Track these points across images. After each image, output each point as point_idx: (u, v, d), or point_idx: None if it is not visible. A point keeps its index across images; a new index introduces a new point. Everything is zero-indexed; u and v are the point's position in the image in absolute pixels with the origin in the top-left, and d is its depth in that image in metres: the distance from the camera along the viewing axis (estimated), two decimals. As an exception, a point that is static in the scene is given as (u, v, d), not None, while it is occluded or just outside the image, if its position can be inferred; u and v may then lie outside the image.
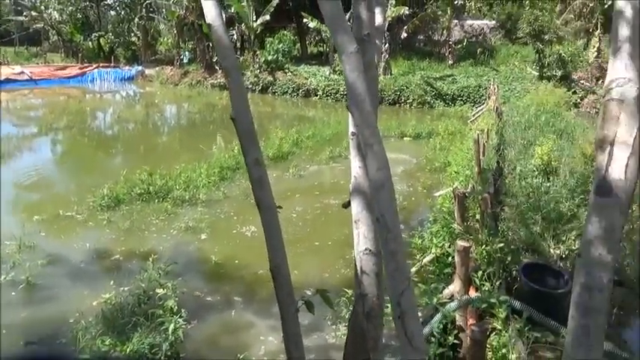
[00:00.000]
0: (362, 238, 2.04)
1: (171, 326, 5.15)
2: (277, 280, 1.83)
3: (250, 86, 28.82)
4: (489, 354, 4.17)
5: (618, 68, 1.93)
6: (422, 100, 25.45)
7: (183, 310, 5.49)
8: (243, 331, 5.75)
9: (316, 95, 27.90)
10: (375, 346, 2.02)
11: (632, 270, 6.39)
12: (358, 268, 2.06)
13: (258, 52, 31.18)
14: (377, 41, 2.24)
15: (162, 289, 5.70)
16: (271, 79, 29.95)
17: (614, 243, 1.82)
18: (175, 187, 10.35)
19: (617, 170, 1.82)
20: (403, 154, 14.50)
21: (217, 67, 31.68)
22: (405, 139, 17.01)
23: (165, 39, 42.88)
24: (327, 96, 27.52)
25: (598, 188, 1.87)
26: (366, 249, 2.02)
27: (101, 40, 42.91)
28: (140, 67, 37.84)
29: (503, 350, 4.02)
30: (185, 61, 36.40)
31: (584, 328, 1.80)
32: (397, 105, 25.77)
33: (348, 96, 1.80)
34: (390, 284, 1.64)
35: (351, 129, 2.18)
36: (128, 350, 5.09)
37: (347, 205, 2.11)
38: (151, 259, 6.46)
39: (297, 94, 28.61)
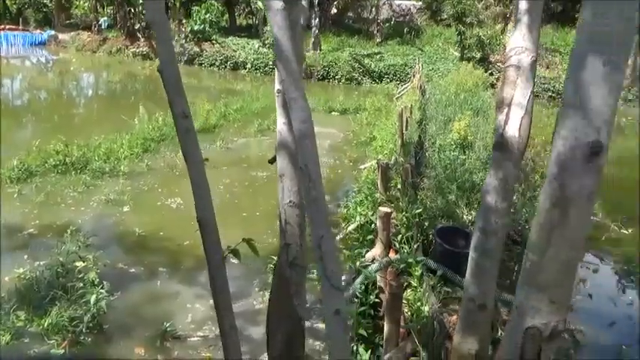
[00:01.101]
0: (286, 191, 2.14)
1: (93, 298, 5.01)
2: (204, 230, 1.89)
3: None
4: (406, 308, 4.48)
5: (517, 38, 2.14)
6: (350, 76, 25.81)
7: (105, 283, 5.35)
8: (168, 300, 5.71)
9: (245, 68, 27.38)
10: (298, 291, 2.15)
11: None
12: (282, 220, 2.16)
13: (183, 22, 29.88)
14: (303, 2, 2.30)
15: (82, 262, 5.50)
16: (198, 50, 28.91)
17: (508, 192, 2.05)
18: (94, 158, 9.86)
19: (513, 128, 2.05)
20: (331, 129, 14.73)
21: (140, 35, 30.03)
22: (332, 113, 17.26)
23: (82, 2, 39.78)
24: (256, 69, 27.11)
25: (496, 144, 2.09)
26: (290, 201, 2.12)
27: (7, -1, 39.05)
28: (53, 32, 34.97)
29: (418, 304, 4.35)
30: (104, 27, 34.11)
31: (481, 267, 2.03)
32: (326, 80, 25.97)
33: (274, 52, 1.86)
34: (311, 229, 1.76)
35: (277, 86, 2.25)
36: (46, 324, 4.91)
37: (272, 160, 2.19)
38: (68, 231, 6.19)
39: (225, 67, 27.91)
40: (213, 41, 29.39)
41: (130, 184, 9.01)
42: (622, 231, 8.36)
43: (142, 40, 30.51)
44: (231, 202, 8.60)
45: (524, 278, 1.35)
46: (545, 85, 25.29)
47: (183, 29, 29.51)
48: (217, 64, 28.01)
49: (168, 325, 5.07)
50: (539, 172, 8.67)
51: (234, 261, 6.78)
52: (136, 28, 30.09)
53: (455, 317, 4.22)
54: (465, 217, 7.14)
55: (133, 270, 6.30)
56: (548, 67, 26.63)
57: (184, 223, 7.11)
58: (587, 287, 6.20)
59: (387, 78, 25.79)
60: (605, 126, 1.20)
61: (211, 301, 6.11)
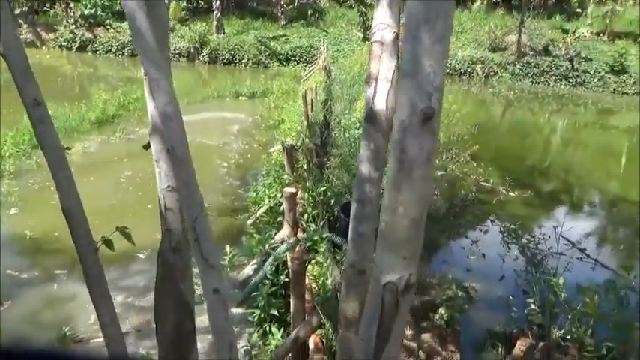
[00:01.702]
0: (163, 176, 2.09)
1: (-24, 310, 4.59)
2: (71, 221, 1.80)
3: (65, 44, 25.59)
4: (314, 284, 4.61)
5: (380, 15, 2.24)
6: (256, 59, 25.52)
7: (-9, 292, 4.93)
8: (67, 303, 5.37)
9: (145, 54, 25.98)
10: (183, 276, 2.13)
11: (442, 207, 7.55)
12: (162, 206, 2.11)
13: (72, 5, 27.60)
14: (167, -19, 2.23)
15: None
16: (90, 36, 26.93)
17: (379, 162, 2.16)
18: (-29, 159, 8.92)
19: (381, 101, 2.15)
20: (238, 113, 14.53)
21: (22, 22, 27.31)
22: (240, 98, 17.01)
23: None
24: (157, 55, 25.83)
25: (366, 117, 2.18)
26: (168, 186, 2.07)
27: None
28: None
29: (323, 278, 4.49)
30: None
31: (359, 234, 2.13)
32: (232, 64, 25.46)
33: (131, 32, 1.79)
34: (184, 212, 1.74)
35: (143, 68, 2.16)
36: None
37: (147, 146, 2.13)
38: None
39: (123, 54, 26.32)
40: (108, 26, 27.53)
41: (18, 183, 8.29)
42: (510, 194, 9.19)
43: (25, 27, 27.80)
44: (135, 194, 8.22)
45: (381, 238, 1.45)
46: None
47: (72, 14, 27.29)
48: (114, 50, 26.33)
49: (67, 329, 4.79)
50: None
51: (142, 255, 6.54)
52: (16, 13, 27.29)
53: (358, 287, 4.41)
54: (369, 191, 7.41)
55: (25, 275, 5.84)
56: (444, 46, 28.14)
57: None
58: (480, 247, 6.74)
59: (294, 60, 25.84)
60: (435, 92, 1.31)
61: (117, 299, 5.89)
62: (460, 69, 26.63)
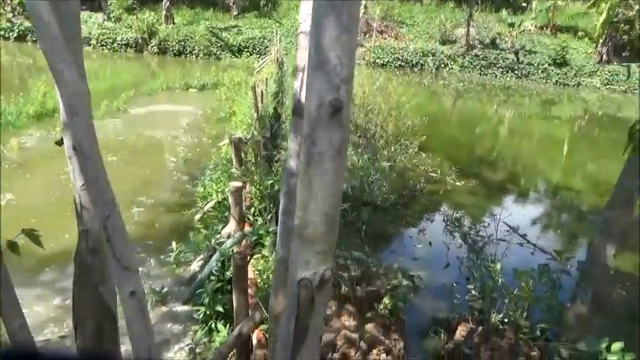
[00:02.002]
0: (77, 173, 1.98)
1: None
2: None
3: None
4: (258, 279, 4.56)
5: (306, 6, 2.20)
6: (208, 50, 24.96)
7: None
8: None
9: (89, 44, 24.89)
10: (102, 278, 2.03)
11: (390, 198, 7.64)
12: (77, 205, 2.00)
13: (7, -8, 26.03)
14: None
15: None
16: (30, 24, 25.45)
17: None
18: None
19: (307, 93, 2.10)
20: (188, 106, 14.20)
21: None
22: (190, 90, 16.61)
23: None
24: (103, 45, 24.82)
25: (294, 109, 2.14)
26: (82, 184, 1.96)
27: None
28: None
29: (268, 272, 4.45)
30: None
31: (288, 228, 2.10)
32: (182, 55, 24.81)
33: (33, 22, 1.67)
34: (95, 210, 1.65)
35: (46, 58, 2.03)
36: None
37: (60, 142, 2.00)
38: None
39: (66, 44, 25.05)
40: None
41: None
42: (457, 183, 9.43)
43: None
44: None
45: (295, 234, 1.42)
46: (395, 55, 27.11)
47: (9, 1, 25.74)
48: (56, 40, 24.98)
49: (-1, 335, 4.53)
50: (383, 137, 9.34)
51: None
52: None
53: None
54: (318, 184, 7.40)
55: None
56: (396, 38, 28.51)
57: (18, 219, 6.37)
58: (427, 236, 6.88)
59: (247, 51, 25.46)
60: (343, 84, 1.28)
61: (54, 302, 5.58)
62: (412, 61, 27.05)
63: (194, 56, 24.93)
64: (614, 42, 27.29)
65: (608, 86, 26.78)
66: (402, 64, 26.97)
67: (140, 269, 5.53)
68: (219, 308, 4.87)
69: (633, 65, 25.75)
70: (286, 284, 2.09)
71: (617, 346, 3.37)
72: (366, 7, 29.29)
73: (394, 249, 6.71)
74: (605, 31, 26.00)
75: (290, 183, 2.10)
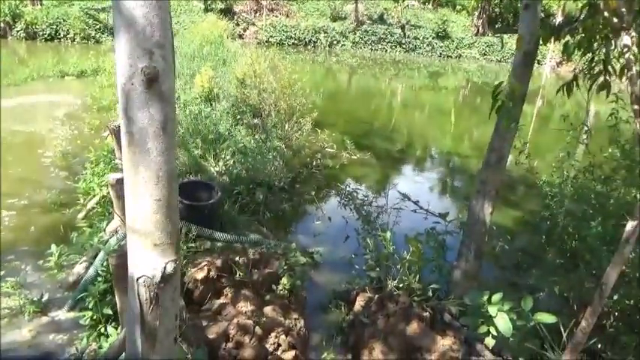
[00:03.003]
0: None
1: None
2: None
3: None
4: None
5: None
6: (85, 34, 22.89)
7: None
8: None
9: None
10: None
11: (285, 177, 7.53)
12: None
13: None
14: None
15: None
16: None
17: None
18: None
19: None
20: (65, 95, 12.93)
21: None
22: (66, 78, 15.13)
23: None
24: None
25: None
26: None
27: None
28: None
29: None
30: None
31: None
32: (55, 40, 22.49)
33: None
34: None
35: None
36: None
37: None
38: None
39: None
40: None
41: None
42: (352, 157, 9.61)
43: None
44: None
45: (128, 227, 1.24)
46: (288, 33, 26.91)
47: None
48: None
49: None
50: (276, 117, 9.20)
51: None
52: None
53: (194, 271, 4.17)
54: (212, 168, 7.13)
55: None
56: (287, 16, 28.27)
57: None
58: (325, 212, 6.92)
59: (131, 34, 23.74)
60: (158, 49, 1.11)
61: None
62: (305, 39, 27.04)
63: (69, 40, 22.72)
64: (488, 15, 29.42)
65: (485, 56, 28.91)
66: (295, 42, 26.87)
67: (12, 279, 4.97)
68: (108, 311, 4.49)
69: (505, 36, 27.99)
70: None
71: (496, 296, 3.60)
72: (255, -16, 28.64)
73: (294, 228, 6.66)
74: (479, 5, 27.92)
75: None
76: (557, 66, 27.16)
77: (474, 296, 3.67)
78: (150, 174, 1.16)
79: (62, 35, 22.66)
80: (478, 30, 29.38)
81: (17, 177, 7.81)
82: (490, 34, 29.40)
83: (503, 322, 3.41)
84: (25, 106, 12.00)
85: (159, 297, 1.23)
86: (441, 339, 3.73)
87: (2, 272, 4.99)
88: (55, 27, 22.57)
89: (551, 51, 25.84)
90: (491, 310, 3.50)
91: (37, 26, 22.17)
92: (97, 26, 23.39)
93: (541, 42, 3.73)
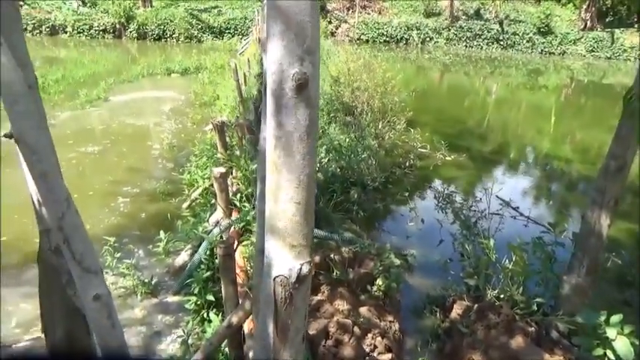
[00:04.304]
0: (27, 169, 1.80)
1: None
2: None
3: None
4: (248, 266, 4.43)
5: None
6: (189, 34, 24.40)
7: None
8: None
9: (65, 32, 24.22)
10: (70, 280, 1.88)
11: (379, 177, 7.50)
12: (35, 202, 1.83)
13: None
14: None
15: None
16: None
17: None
18: None
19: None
20: (170, 91, 13.88)
21: None
22: (172, 75, 16.23)
23: None
24: (80, 32, 24.15)
25: (264, 86, 1.96)
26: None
27: None
28: None
29: (255, 260, 4.31)
30: None
31: (263, 212, 1.94)
32: (162, 40, 24.22)
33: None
34: (47, 210, 1.49)
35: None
36: None
37: (9, 135, 1.81)
38: None
39: (41, 32, 24.37)
40: (22, 2, 25.32)
41: None
42: (447, 158, 9.31)
43: None
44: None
45: (267, 226, 1.28)
46: (380, 30, 26.70)
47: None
48: (30, 29, 24.30)
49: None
50: (370, 115, 9.16)
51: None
52: None
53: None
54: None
55: None
56: (380, 13, 28.05)
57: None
58: (419, 214, 6.78)
59: (229, 33, 24.92)
60: (308, 55, 1.13)
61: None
62: (397, 36, 26.68)
63: (174, 40, 24.36)
64: (598, 8, 27.06)
65: (592, 53, 26.67)
66: (387, 39, 26.60)
67: (128, 261, 5.42)
68: (211, 297, 4.75)
69: (617, 31, 25.59)
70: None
71: (615, 318, 3.30)
72: (348, -19, 28.76)
73: (387, 228, 6.60)
74: (589, -3, 25.77)
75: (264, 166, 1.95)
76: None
77: (589, 316, 3.38)
78: (292, 177, 1.19)
79: (168, 35, 24.35)
80: (586, 24, 27.13)
81: (129, 166, 8.51)
82: (599, 29, 27.04)
83: (623, 346, 3.12)
84: (136, 100, 13.05)
85: (293, 297, 1.26)
86: (549, 357, 3.49)
87: (119, 254, 5.43)
88: (162, 27, 24.30)
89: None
90: (610, 332, 3.21)
91: (147, 27, 23.99)
92: (200, 26, 24.81)
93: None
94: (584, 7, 27.03)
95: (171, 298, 5.30)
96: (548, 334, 3.89)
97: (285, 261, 1.23)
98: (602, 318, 3.28)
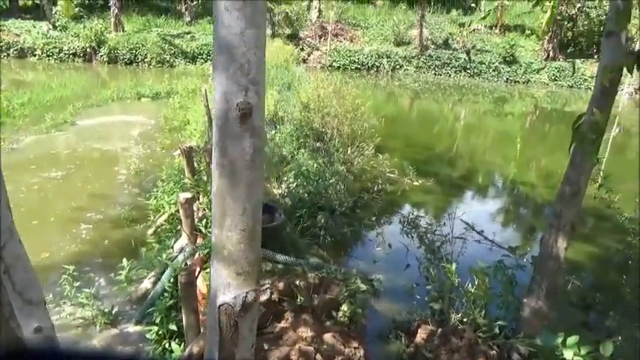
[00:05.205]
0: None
1: None
2: None
3: None
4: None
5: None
6: (161, 58, 24.35)
7: None
8: None
9: (34, 55, 23.83)
10: (11, 312, 1.82)
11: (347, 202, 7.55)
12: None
13: (-58, 2, 24.60)
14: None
15: None
16: None
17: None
18: None
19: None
20: (140, 116, 13.76)
21: None
22: (142, 99, 16.10)
23: None
24: (49, 56, 23.79)
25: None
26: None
27: None
28: None
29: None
30: None
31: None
32: (134, 64, 24.08)
33: None
34: (-12, 239, 1.45)
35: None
36: None
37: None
38: None
39: (9, 55, 23.90)
40: (-12, 25, 24.85)
41: None
42: (414, 183, 9.46)
43: None
44: (16, 211, 7.39)
45: (212, 254, 1.28)
46: (351, 58, 27.26)
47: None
48: (-3, 52, 23.84)
49: None
50: (339, 140, 9.27)
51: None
52: None
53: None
54: (274, 190, 7.26)
55: None
56: (352, 41, 28.68)
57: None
58: (386, 238, 6.82)
59: (202, 58, 24.98)
60: (252, 85, 1.15)
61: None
62: (368, 63, 27.27)
63: (146, 64, 24.25)
64: (559, 39, 28.36)
65: (555, 82, 27.79)
66: (359, 66, 27.15)
67: (87, 290, 5.25)
68: (173, 327, 4.63)
69: (578, 61, 26.81)
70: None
71: (572, 339, 3.37)
72: (320, 10, 29.38)
73: (354, 253, 6.61)
74: (550, 29, 26.99)
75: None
76: (635, 92, 25.60)
77: (546, 337, 3.45)
78: (237, 205, 1.20)
79: (140, 59, 24.22)
80: (548, 55, 28.35)
81: (94, 192, 8.33)
82: (561, 59, 28.28)
83: (579, 368, 3.18)
84: (104, 125, 12.87)
85: (239, 325, 1.25)
86: (509, 381, 3.53)
87: (79, 283, 5.27)
88: (134, 52, 24.18)
89: (629, 77, 24.43)
90: (567, 354, 3.27)
91: (119, 51, 23.84)
92: (172, 51, 24.81)
93: (625, 71, 3.54)
94: (547, 38, 28.28)
95: (133, 328, 5.15)
96: (510, 357, 3.94)
97: (230, 289, 1.23)
98: (560, 340, 3.35)
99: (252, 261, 1.27)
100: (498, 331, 4.17)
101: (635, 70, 3.51)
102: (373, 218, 6.79)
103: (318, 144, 9.32)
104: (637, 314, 4.81)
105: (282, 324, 3.89)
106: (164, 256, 5.52)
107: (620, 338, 4.76)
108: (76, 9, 26.30)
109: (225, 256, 1.24)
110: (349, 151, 9.00)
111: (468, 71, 27.86)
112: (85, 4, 27.41)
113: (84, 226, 7.09)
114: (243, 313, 1.26)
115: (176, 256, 5.39)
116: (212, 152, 5.23)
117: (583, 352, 3.31)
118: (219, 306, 1.24)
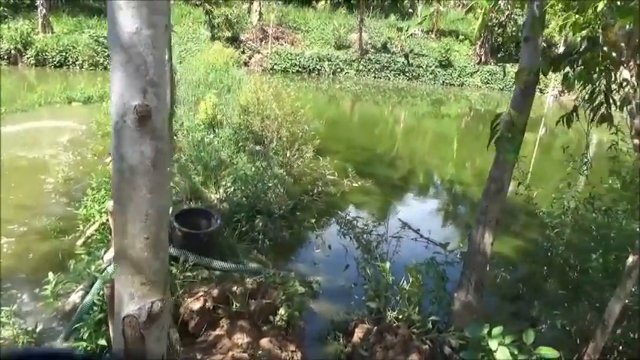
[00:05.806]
0: None
1: None
2: None
3: None
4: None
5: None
6: (93, 61, 23.26)
7: None
8: None
9: (-50, 57, 22.07)
10: None
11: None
12: None
13: None
14: None
15: None
16: None
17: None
18: None
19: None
20: (70, 121, 13.08)
21: None
22: (73, 104, 15.33)
23: None
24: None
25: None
26: None
27: None
28: None
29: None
30: None
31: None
32: (64, 67, 22.87)
33: None
34: None
35: None
36: None
37: None
38: None
39: None
40: None
41: None
42: (354, 184, 9.60)
43: None
44: None
45: (115, 263, 1.23)
46: (293, 61, 27.30)
47: None
48: None
49: None
50: (278, 144, 9.25)
51: None
52: None
53: (190, 302, 4.13)
54: (212, 195, 7.13)
55: None
56: (292, 44, 28.74)
57: None
58: (326, 240, 6.85)
59: (138, 61, 24.15)
60: (151, 87, 1.12)
61: None
62: (309, 67, 27.41)
63: (78, 67, 23.09)
64: (490, 44, 29.82)
65: (487, 85, 29.19)
66: (300, 69, 27.24)
67: (8, 308, 4.91)
68: (103, 342, 4.42)
69: (507, 65, 28.28)
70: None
71: (497, 329, 3.53)
72: (261, 13, 29.22)
73: (294, 256, 6.60)
74: (482, 35, 28.32)
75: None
76: (560, 94, 27.36)
77: (474, 329, 3.59)
78: (138, 211, 1.15)
79: (71, 62, 23.05)
80: (481, 59, 29.74)
81: (18, 203, 7.82)
82: (492, 63, 29.75)
83: (504, 356, 3.34)
84: (30, 131, 12.12)
85: (145, 338, 1.21)
86: (440, 374, 3.65)
87: (-1, 301, 4.92)
88: (64, 54, 22.97)
89: (554, 80, 26.10)
90: (492, 343, 3.42)
91: (47, 53, 22.56)
92: (106, 53, 23.77)
93: (541, 74, 3.77)
94: (479, 43, 29.66)
95: (59, 346, 4.87)
96: (442, 351, 4.07)
97: (135, 299, 1.18)
98: (486, 330, 3.50)
99: (158, 269, 1.23)
100: (431, 326, 4.30)
101: (555, 73, 3.75)
102: (313, 220, 6.80)
103: (257, 147, 9.25)
104: (558, 303, 5.12)
105: (217, 332, 3.81)
106: (93, 267, 5.27)
107: (544, 326, 5.06)
108: (0, 8, 24.63)
109: (129, 266, 1.19)
110: (289, 154, 9.00)
111: (407, 74, 28.68)
112: (10, 3, 25.70)
113: (5, 239, 6.63)
114: (148, 325, 1.21)
115: (106, 268, 5.16)
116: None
117: (507, 341, 3.47)
118: (124, 318, 1.19)
